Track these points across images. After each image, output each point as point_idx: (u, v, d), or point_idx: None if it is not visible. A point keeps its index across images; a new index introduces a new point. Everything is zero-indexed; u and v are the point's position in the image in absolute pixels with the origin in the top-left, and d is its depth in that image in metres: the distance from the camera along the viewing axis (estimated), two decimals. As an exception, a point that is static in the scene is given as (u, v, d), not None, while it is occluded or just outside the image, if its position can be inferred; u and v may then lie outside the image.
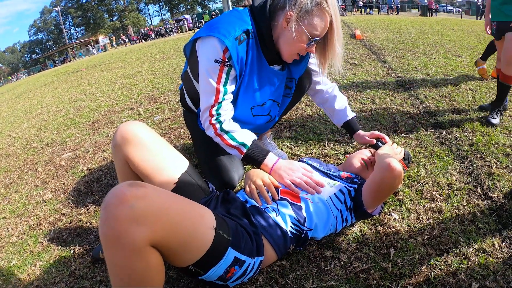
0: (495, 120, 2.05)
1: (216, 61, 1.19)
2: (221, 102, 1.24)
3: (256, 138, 1.33)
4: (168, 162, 1.11)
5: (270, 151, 1.30)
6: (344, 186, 1.20)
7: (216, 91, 1.22)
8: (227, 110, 1.28)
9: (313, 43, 1.22)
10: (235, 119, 1.35)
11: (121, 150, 1.06)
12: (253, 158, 1.27)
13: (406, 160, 1.48)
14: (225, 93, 1.24)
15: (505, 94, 2.12)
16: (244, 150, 1.27)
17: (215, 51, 1.18)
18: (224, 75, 1.22)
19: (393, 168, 1.03)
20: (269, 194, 1.15)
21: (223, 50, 1.18)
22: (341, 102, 1.64)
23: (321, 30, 1.20)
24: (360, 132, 1.58)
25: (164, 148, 1.12)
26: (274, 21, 1.23)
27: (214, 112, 1.25)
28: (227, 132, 1.26)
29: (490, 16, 2.30)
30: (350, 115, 1.63)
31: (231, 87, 1.26)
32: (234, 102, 1.33)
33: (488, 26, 2.39)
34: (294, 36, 1.19)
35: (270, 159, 1.27)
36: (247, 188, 1.18)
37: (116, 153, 1.10)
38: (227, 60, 1.19)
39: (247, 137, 1.29)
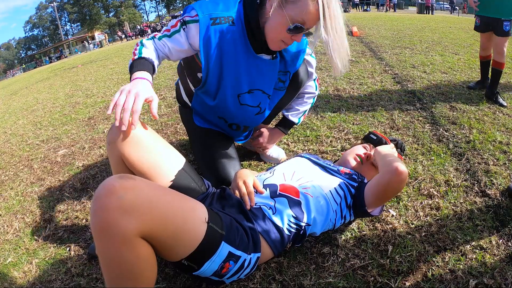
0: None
1: (177, 18, 1.28)
2: (154, 38, 1.29)
3: (156, 66, 1.26)
4: (165, 160, 1.10)
5: (155, 73, 1.23)
6: (344, 182, 1.19)
7: (160, 32, 1.31)
8: (157, 46, 1.29)
9: (295, 30, 1.13)
10: (222, 106, 1.35)
11: (116, 148, 1.05)
12: (131, 68, 1.17)
13: (399, 148, 1.48)
14: (160, 38, 1.28)
15: None
16: (134, 58, 1.21)
17: (186, 14, 1.25)
18: (172, 30, 1.27)
19: (401, 172, 1.03)
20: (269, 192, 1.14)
21: (191, 16, 1.23)
22: (303, 105, 1.67)
23: (304, 17, 1.10)
24: (264, 129, 1.67)
25: (160, 146, 1.10)
26: (263, 8, 1.19)
27: (146, 39, 1.30)
28: (143, 45, 1.26)
29: None
30: (293, 118, 1.67)
31: (171, 44, 1.28)
32: (217, 86, 1.33)
33: None
34: (275, 21, 1.14)
35: (138, 75, 1.12)
36: (231, 191, 1.18)
37: (111, 151, 1.08)
38: (185, 22, 1.24)
39: (150, 55, 1.23)
